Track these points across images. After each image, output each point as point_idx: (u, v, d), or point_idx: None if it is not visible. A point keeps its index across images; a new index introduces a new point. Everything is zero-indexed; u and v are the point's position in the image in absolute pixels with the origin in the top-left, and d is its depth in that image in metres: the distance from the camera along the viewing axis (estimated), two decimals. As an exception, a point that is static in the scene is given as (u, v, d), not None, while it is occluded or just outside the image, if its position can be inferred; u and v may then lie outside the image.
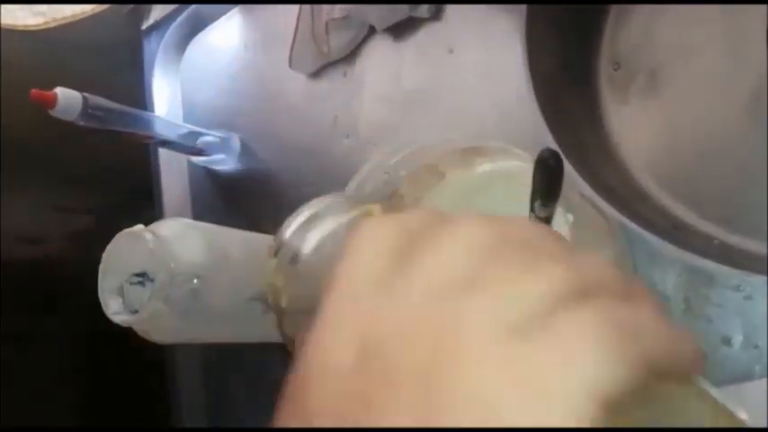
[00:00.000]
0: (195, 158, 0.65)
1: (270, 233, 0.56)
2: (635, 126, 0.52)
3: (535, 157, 0.29)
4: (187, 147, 0.63)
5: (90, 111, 0.52)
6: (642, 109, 0.52)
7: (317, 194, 0.40)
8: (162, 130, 0.61)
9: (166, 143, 0.63)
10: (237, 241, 0.51)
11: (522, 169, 0.39)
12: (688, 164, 0.49)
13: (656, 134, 0.51)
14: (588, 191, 0.44)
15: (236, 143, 0.64)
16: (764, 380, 0.35)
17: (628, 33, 0.52)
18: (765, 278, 0.39)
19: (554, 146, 0.46)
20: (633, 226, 0.43)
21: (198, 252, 0.45)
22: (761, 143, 0.47)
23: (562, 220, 0.31)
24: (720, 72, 0.49)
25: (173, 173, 0.68)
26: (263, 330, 0.54)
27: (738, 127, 0.48)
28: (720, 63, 0.49)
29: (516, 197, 0.40)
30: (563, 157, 0.31)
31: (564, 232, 0.31)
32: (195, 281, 0.45)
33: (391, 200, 0.41)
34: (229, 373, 0.63)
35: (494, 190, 0.40)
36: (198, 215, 0.65)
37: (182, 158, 0.67)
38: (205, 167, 0.66)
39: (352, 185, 0.38)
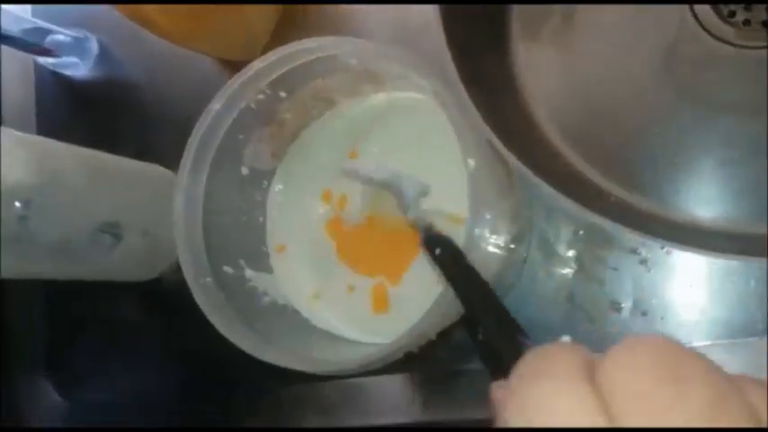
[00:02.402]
0: (43, 60, 0.54)
1: (126, 155, 0.49)
2: (543, 69, 0.48)
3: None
4: (33, 45, 0.52)
5: None
6: (552, 51, 0.48)
7: (184, 114, 0.33)
8: (3, 23, 0.50)
9: (7, 39, 0.52)
10: (82, 162, 0.43)
11: (418, 102, 0.34)
12: (593, 115, 0.46)
13: (564, 81, 0.47)
14: (489, 134, 0.40)
15: (92, 45, 0.53)
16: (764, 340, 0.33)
17: (547, -34, 0.48)
18: (659, 241, 0.37)
19: (458, 81, 0.41)
20: (532, 176, 0.40)
21: (24, 171, 0.37)
22: (669, 103, 0.44)
23: (461, 165, 0.26)
24: (637, 25, 0.46)
25: (14, 75, 0.57)
26: (112, 267, 0.47)
27: (648, 84, 0.45)
28: (639, 15, 0.46)
29: (410, 131, 0.35)
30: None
31: (462, 179, 0.26)
32: (18, 204, 0.37)
33: (270, 125, 0.35)
34: (75, 315, 0.56)
35: (387, 122, 0.35)
36: (44, 127, 0.55)
37: (27, 59, 0.56)
38: (55, 72, 0.55)
39: (216, 105, 0.32)
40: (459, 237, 0.26)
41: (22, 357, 0.57)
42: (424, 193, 0.29)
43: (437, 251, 0.25)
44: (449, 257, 0.25)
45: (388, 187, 0.30)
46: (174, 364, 0.51)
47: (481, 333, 0.22)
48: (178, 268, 0.34)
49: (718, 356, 0.34)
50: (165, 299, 0.52)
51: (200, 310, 0.32)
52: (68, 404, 0.56)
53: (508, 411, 0.16)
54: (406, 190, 0.29)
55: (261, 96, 0.32)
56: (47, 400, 0.56)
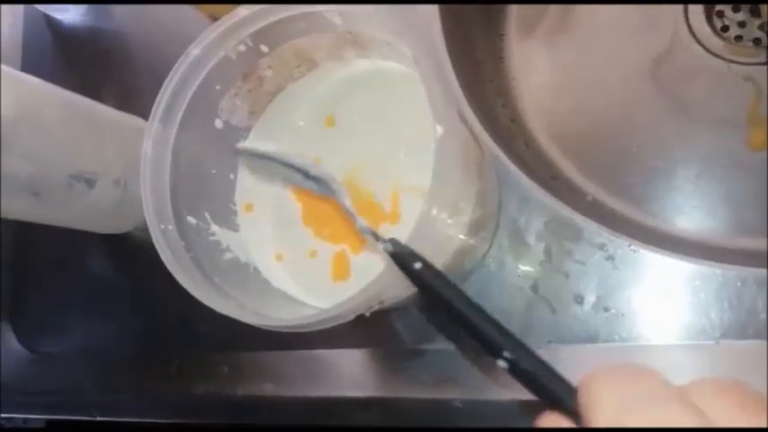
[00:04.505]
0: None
1: (110, 104, 0.48)
2: (535, 65, 0.48)
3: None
4: (25, -16, 0.52)
5: None
6: (546, 48, 0.48)
7: (170, 68, 0.32)
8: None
9: (0, -25, 0.52)
10: (60, 102, 0.42)
11: (400, 73, 0.34)
12: (580, 116, 0.46)
13: (555, 79, 0.47)
14: (472, 117, 0.40)
15: (86, -9, 0.53)
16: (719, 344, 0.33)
17: (548, -38, 0.48)
18: (628, 240, 0.37)
19: (447, 61, 0.41)
20: (511, 165, 0.40)
21: (-2, 102, 0.36)
22: (654, 109, 0.44)
23: (431, 129, 0.26)
24: (631, 30, 0.46)
25: (3, 14, 0.56)
26: (83, 214, 0.46)
27: (636, 89, 0.45)
28: (633, 21, 0.46)
29: (390, 102, 0.35)
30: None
31: (429, 145, 0.26)
32: (-13, 136, 0.36)
33: (249, 80, 0.34)
34: (42, 265, 0.55)
35: (368, 91, 0.35)
36: (28, 69, 0.54)
37: (19, -2, 0.55)
38: (45, 14, 0.55)
39: (195, 50, 0.31)
40: (416, 210, 0.26)
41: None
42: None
43: (417, 265, 0.24)
44: (431, 273, 0.24)
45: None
46: (136, 320, 0.51)
47: (507, 353, 0.22)
48: (148, 224, 0.33)
49: (673, 358, 0.34)
50: (134, 254, 0.51)
51: (166, 267, 0.31)
52: (29, 354, 0.55)
53: None
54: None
55: (242, 48, 0.32)
56: (7, 348, 0.55)
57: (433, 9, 0.42)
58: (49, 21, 0.55)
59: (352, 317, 0.27)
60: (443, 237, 0.28)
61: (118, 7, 0.53)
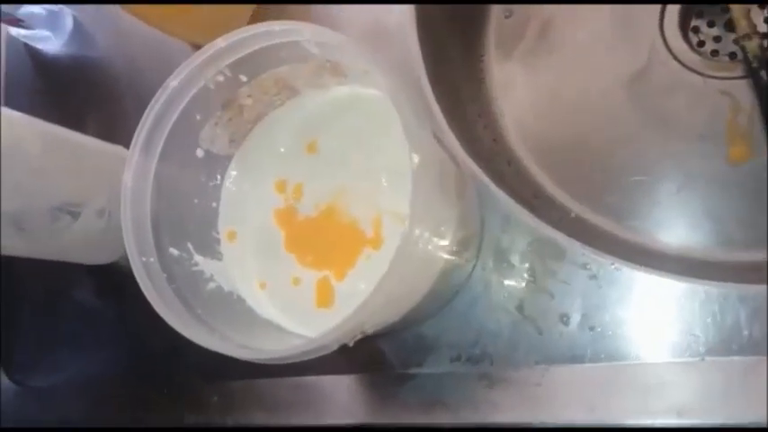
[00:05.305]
0: (14, 30, 0.54)
1: (92, 134, 0.48)
2: (515, 84, 0.48)
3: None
4: (5, 14, 0.52)
5: None
6: (526, 67, 0.48)
7: (153, 96, 0.32)
8: (-24, -9, 0.50)
9: (-20, 6, 0.51)
10: (41, 135, 0.42)
11: (379, 99, 0.34)
12: (561, 134, 0.47)
13: (535, 97, 0.48)
14: (452, 139, 0.40)
15: (67, 21, 0.53)
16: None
17: (526, -20, 0.49)
18: (610, 259, 0.37)
19: (427, 83, 0.41)
20: (492, 187, 0.40)
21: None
22: (634, 125, 0.45)
23: (407, 159, 0.26)
24: (609, 47, 0.47)
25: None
26: (68, 246, 0.46)
27: (615, 105, 0.46)
28: (611, 38, 0.47)
29: (370, 128, 0.35)
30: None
31: (406, 175, 0.26)
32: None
33: (229, 109, 0.35)
34: (27, 299, 0.55)
35: (348, 117, 0.35)
36: (11, 100, 0.54)
37: None
38: (26, 44, 0.55)
39: (173, 81, 0.31)
40: (399, 235, 0.26)
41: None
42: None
43: None
44: None
45: None
46: (125, 351, 0.51)
47: None
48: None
49: (662, 376, 0.34)
50: (120, 284, 0.51)
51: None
52: (17, 389, 0.55)
53: None
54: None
55: (220, 78, 0.32)
56: (-5, 385, 0.55)
57: (412, 32, 0.42)
58: (31, 51, 0.55)
59: (335, 347, 0.27)
60: (427, 259, 0.29)
61: (100, 36, 0.53)
